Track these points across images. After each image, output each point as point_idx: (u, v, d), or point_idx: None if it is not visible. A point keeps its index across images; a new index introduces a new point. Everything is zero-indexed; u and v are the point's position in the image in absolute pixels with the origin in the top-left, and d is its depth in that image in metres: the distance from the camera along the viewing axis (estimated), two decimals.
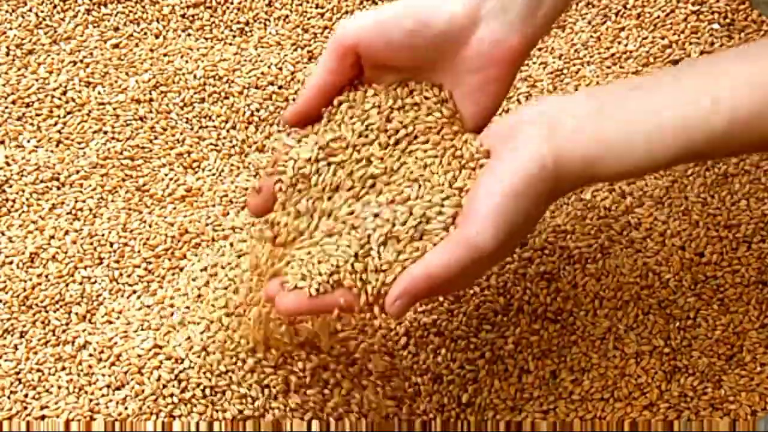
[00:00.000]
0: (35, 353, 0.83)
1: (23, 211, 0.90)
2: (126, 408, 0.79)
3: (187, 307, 0.83)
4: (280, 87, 0.99)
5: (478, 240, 0.64)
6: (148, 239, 0.89)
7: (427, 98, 0.72)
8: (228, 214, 0.91)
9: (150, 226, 0.90)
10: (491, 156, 0.68)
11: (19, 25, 1.01)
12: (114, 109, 0.96)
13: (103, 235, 0.89)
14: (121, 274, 0.87)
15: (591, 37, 1.02)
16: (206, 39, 1.03)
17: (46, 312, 0.85)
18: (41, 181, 0.91)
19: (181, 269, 0.87)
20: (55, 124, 0.95)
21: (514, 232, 0.65)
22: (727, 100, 0.63)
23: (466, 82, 0.71)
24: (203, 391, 0.79)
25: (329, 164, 0.72)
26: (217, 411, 0.79)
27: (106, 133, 0.95)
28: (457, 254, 0.65)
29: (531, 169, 0.64)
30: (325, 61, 0.72)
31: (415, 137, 0.72)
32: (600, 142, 0.64)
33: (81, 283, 0.86)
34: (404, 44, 0.70)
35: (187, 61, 0.99)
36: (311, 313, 0.71)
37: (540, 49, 1.02)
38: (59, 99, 0.96)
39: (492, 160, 0.67)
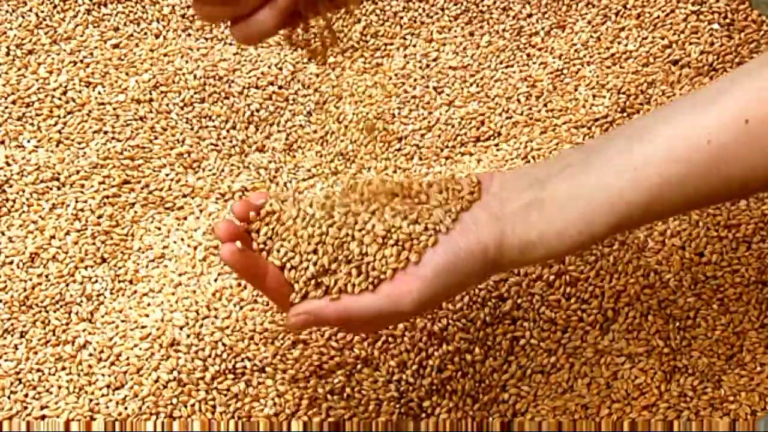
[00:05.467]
0: (35, 353, 0.83)
1: (23, 211, 0.90)
2: (126, 408, 0.79)
3: (187, 308, 0.83)
4: (280, 87, 0.99)
5: (401, 301, 0.68)
6: (148, 239, 0.89)
7: None
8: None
9: (150, 226, 0.90)
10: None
11: (19, 25, 1.01)
12: (114, 109, 0.96)
13: (103, 234, 0.89)
14: (125, 272, 0.87)
15: (591, 37, 1.01)
16: (206, 39, 1.03)
17: (46, 312, 0.85)
18: (41, 181, 0.91)
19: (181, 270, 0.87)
20: (55, 124, 0.95)
21: (435, 301, 0.69)
22: (648, 167, 0.66)
23: None
24: (203, 391, 0.79)
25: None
26: (216, 412, 0.79)
27: (106, 133, 0.95)
28: (377, 304, 0.68)
29: (475, 252, 0.68)
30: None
31: None
32: (536, 231, 0.68)
33: (81, 283, 0.86)
34: None
35: (187, 61, 0.99)
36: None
37: (540, 49, 1.02)
38: (59, 99, 0.96)
39: (440, 235, 0.70)
